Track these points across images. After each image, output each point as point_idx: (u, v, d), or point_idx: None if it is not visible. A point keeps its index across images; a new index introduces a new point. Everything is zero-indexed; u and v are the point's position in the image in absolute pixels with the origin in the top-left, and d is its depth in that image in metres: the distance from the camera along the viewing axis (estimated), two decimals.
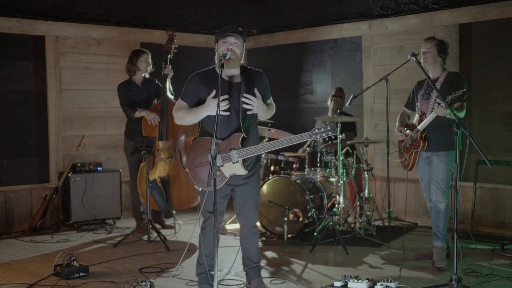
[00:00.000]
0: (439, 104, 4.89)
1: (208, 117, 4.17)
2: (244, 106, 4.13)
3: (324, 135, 4.06)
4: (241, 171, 4.12)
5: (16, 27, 6.81)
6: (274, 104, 4.40)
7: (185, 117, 4.22)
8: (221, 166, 4.08)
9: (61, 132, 7.16)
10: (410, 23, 6.95)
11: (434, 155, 5.09)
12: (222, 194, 4.23)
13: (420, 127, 5.05)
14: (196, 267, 4.39)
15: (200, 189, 4.21)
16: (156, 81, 6.62)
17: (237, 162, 4.09)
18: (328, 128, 4.05)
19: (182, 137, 6.36)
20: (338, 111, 6.68)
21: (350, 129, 6.91)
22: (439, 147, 5.05)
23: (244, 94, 4.11)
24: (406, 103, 5.39)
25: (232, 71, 4.19)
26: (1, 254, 5.75)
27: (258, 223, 4.48)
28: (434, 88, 4.65)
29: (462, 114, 4.86)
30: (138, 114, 6.40)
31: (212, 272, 3.92)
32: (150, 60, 6.58)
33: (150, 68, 6.60)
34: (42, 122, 7.07)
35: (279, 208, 6.05)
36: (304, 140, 4.13)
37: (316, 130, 4.10)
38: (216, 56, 4.21)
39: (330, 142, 6.78)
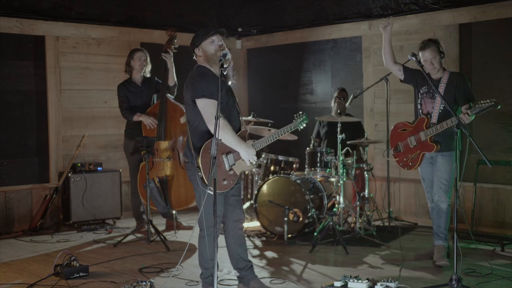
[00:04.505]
0: (464, 113, 4.82)
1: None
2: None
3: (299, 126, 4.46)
4: (250, 165, 4.22)
5: (16, 27, 6.81)
6: None
7: (226, 136, 4.05)
8: (233, 165, 4.13)
9: (61, 132, 7.16)
10: (410, 23, 6.94)
11: (439, 155, 5.09)
12: (224, 194, 4.24)
13: (435, 129, 4.97)
14: (201, 270, 4.35)
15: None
16: (156, 78, 6.61)
17: None
18: (303, 117, 4.47)
19: (181, 137, 6.35)
20: (339, 111, 6.64)
21: (359, 128, 6.82)
22: (443, 148, 5.06)
23: None
24: (405, 67, 5.27)
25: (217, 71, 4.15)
26: (1, 254, 5.75)
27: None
28: (438, 94, 4.65)
29: (473, 117, 4.84)
30: (136, 118, 6.39)
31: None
32: (145, 58, 6.54)
33: (147, 67, 6.57)
34: (42, 122, 7.06)
35: (279, 208, 6.05)
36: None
37: (297, 121, 4.45)
38: (203, 56, 4.18)
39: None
